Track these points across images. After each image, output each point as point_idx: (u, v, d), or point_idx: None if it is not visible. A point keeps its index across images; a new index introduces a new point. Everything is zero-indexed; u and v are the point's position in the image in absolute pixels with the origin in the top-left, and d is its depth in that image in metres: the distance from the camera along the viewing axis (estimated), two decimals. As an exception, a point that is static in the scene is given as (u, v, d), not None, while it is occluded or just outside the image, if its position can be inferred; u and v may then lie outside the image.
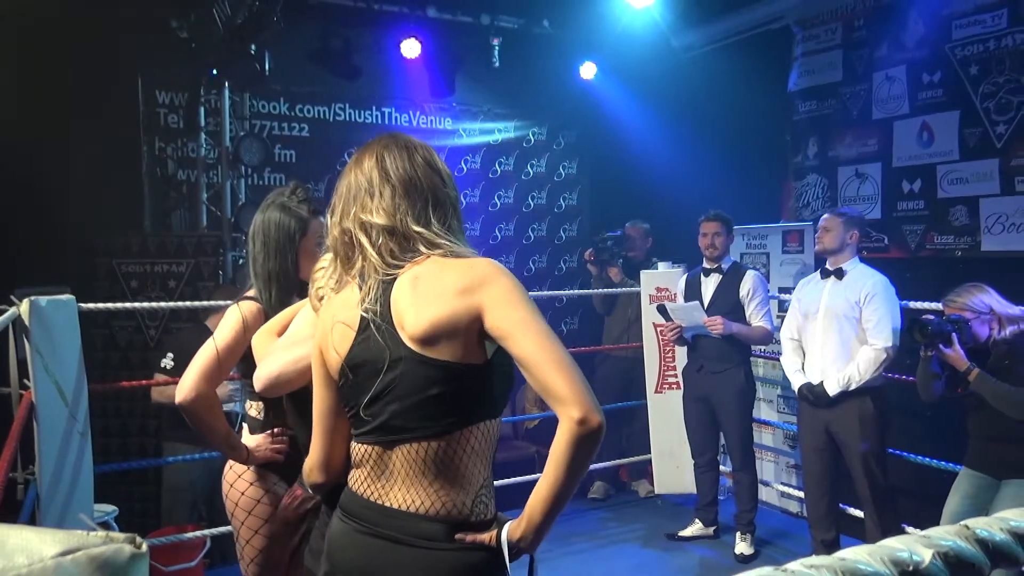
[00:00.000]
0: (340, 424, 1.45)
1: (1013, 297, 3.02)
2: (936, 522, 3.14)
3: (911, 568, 0.57)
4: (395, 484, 1.34)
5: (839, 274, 3.58)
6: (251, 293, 2.07)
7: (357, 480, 1.40)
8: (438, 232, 1.38)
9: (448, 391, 1.30)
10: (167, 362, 3.81)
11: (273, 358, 1.64)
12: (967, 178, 4.19)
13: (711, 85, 5.49)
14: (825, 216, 3.69)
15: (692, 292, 4.25)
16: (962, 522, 0.63)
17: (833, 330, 3.54)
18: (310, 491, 1.60)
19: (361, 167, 1.42)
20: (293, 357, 1.62)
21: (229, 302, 3.58)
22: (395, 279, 1.35)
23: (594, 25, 5.82)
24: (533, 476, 4.63)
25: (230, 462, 2.05)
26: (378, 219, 1.37)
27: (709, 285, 4.19)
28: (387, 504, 1.34)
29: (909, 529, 3.61)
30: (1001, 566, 0.62)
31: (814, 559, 0.57)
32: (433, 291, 1.30)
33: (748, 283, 4.07)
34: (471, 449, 1.33)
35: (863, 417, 3.42)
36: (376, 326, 1.33)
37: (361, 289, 1.37)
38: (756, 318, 4.04)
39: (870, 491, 3.45)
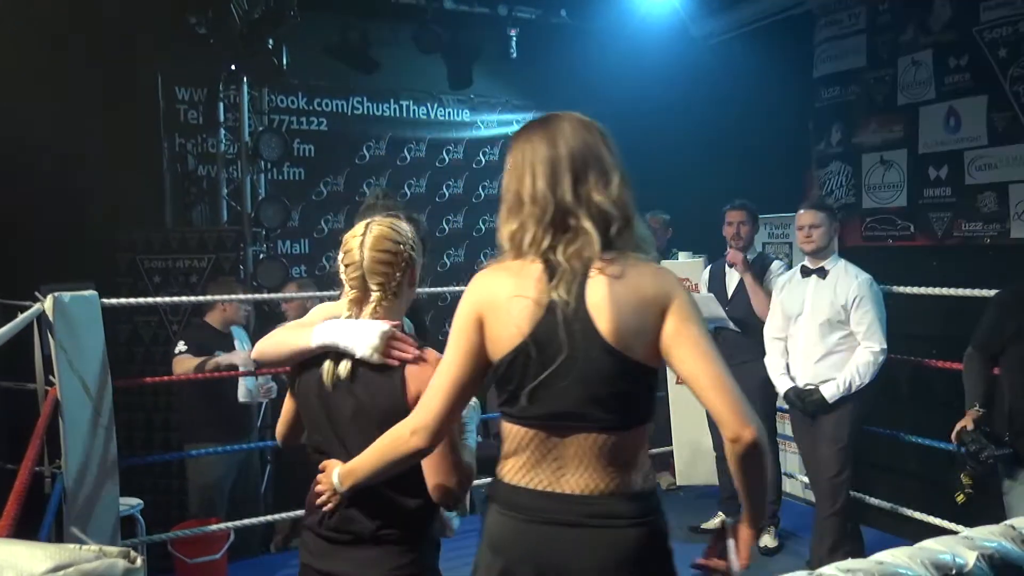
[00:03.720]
0: (467, 396, 1.45)
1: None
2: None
3: (954, 572, 0.55)
4: (566, 470, 1.35)
5: (821, 273, 3.46)
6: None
7: (514, 470, 1.40)
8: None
9: (633, 389, 1.36)
10: (181, 347, 3.92)
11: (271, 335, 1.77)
12: (996, 164, 4.10)
13: (732, 73, 5.41)
14: (805, 212, 3.47)
15: (716, 283, 4.19)
16: (1006, 522, 0.60)
17: (819, 332, 3.42)
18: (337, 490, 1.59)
19: (579, 136, 1.40)
20: (279, 338, 1.73)
21: (226, 297, 3.78)
22: (589, 271, 1.35)
23: (612, 14, 5.76)
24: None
25: None
26: (610, 206, 1.36)
27: (734, 276, 4.10)
28: (559, 491, 1.35)
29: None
30: (1049, 569, 0.59)
31: (850, 563, 0.55)
32: (631, 295, 1.33)
33: (774, 272, 3.99)
34: (640, 442, 1.40)
35: (843, 417, 3.34)
36: (569, 313, 1.32)
37: (546, 269, 1.35)
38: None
39: (831, 486, 3.36)
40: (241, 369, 3.83)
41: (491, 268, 1.44)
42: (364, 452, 1.54)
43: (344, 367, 1.61)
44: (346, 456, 1.60)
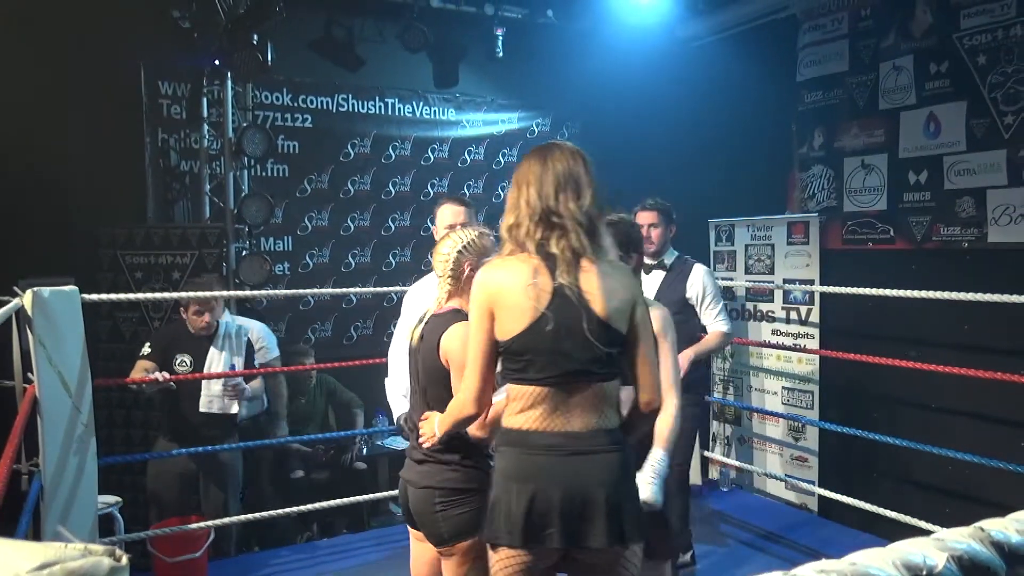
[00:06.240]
0: (494, 367, 1.87)
1: (1020, 290, 3.00)
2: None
3: (924, 572, 0.56)
4: (573, 414, 1.79)
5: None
6: None
7: (531, 420, 1.80)
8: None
9: (620, 351, 1.83)
10: (146, 348, 3.77)
11: None
12: (974, 169, 4.16)
13: (716, 75, 5.45)
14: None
15: None
16: (977, 524, 0.62)
17: None
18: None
19: (565, 161, 1.83)
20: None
21: (202, 294, 3.74)
22: (581, 264, 1.78)
23: (599, 15, 5.78)
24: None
25: None
26: (580, 214, 1.80)
27: (651, 283, 3.61)
28: (570, 430, 1.79)
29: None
30: (1017, 569, 0.61)
31: (824, 563, 0.56)
32: (614, 285, 1.81)
33: (698, 281, 3.58)
34: (617, 388, 1.87)
35: None
36: (574, 296, 1.76)
37: (545, 261, 1.78)
38: (710, 318, 3.59)
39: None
40: (215, 382, 3.77)
41: (493, 264, 1.87)
42: (446, 411, 2.04)
43: (416, 332, 2.25)
44: (424, 399, 2.19)
